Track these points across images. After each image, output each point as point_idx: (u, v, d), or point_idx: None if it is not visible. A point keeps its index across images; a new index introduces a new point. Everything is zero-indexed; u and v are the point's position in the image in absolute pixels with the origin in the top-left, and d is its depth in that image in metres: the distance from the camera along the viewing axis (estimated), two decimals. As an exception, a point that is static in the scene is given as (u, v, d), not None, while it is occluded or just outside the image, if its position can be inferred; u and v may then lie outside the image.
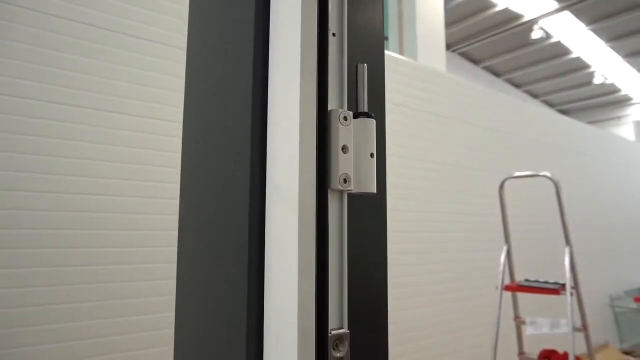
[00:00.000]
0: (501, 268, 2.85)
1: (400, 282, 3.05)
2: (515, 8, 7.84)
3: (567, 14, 7.97)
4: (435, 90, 3.53)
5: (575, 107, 12.87)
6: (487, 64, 10.29)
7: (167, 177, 2.09)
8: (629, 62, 9.98)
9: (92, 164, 1.93)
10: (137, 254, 2.00)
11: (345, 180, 0.46)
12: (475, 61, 10.21)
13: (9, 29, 1.78)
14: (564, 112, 12.44)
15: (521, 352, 2.91)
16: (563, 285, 2.58)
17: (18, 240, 1.74)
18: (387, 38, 4.28)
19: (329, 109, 0.47)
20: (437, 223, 3.36)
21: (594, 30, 8.58)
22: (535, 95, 12.12)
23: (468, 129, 3.75)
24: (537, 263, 3.79)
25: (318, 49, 0.45)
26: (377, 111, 0.50)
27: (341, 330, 0.45)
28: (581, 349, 2.69)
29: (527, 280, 2.88)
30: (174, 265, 0.61)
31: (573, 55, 9.65)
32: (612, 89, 11.71)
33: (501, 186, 2.91)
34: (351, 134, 0.47)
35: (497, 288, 2.83)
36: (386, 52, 3.53)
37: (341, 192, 0.46)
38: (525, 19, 8.14)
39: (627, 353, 5.17)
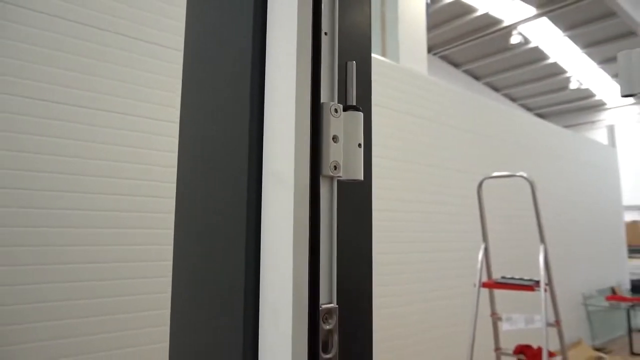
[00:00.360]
0: (479, 266, 2.93)
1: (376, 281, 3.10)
2: (495, 13, 8.03)
3: (545, 20, 8.19)
4: (416, 92, 3.61)
5: (552, 111, 13.20)
6: (467, 67, 10.49)
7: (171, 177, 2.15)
8: (603, 69, 10.31)
9: (99, 164, 1.98)
10: (149, 252, 2.05)
11: (335, 167, 0.50)
12: (455, 64, 10.40)
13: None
14: (541, 115, 12.74)
15: (497, 348, 3.00)
16: (537, 282, 2.68)
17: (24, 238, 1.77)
18: (370, 40, 4.34)
19: (322, 101, 0.51)
20: (411, 223, 3.42)
21: (570, 37, 8.84)
22: (513, 99, 12.39)
23: (447, 131, 3.84)
24: (514, 261, 3.90)
25: (312, 47, 0.50)
26: (364, 105, 0.54)
27: (330, 305, 0.50)
28: (555, 344, 2.79)
29: (503, 277, 2.97)
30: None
31: (550, 61, 9.92)
32: (587, 94, 12.06)
33: (479, 186, 2.99)
34: (341, 125, 0.51)
35: (475, 285, 2.91)
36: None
37: (331, 178, 0.51)
38: (505, 24, 8.34)
39: (598, 350, 5.35)
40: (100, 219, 1.94)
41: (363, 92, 0.56)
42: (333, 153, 0.50)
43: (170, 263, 0.64)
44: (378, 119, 3.21)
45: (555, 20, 8.22)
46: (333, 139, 0.50)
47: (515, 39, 8.70)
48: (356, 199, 0.55)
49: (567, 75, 10.76)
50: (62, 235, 1.84)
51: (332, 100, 0.52)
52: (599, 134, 12.47)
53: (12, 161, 1.76)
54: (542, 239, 2.72)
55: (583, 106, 12.94)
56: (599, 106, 12.99)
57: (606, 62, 9.85)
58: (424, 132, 3.59)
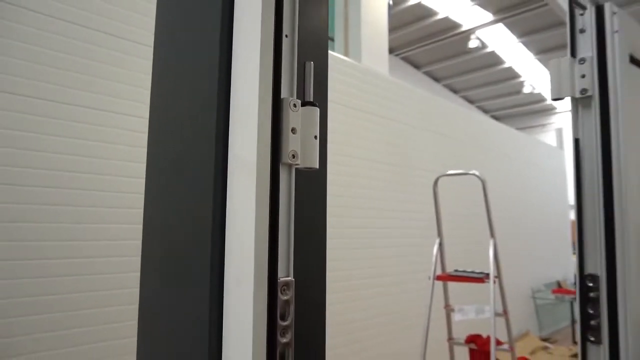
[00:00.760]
0: (434, 259, 3.06)
1: (334, 277, 3.15)
2: (455, 17, 8.30)
3: (501, 26, 8.54)
4: (377, 91, 3.71)
5: (507, 113, 13.76)
6: (427, 69, 10.78)
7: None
8: (554, 74, 10.79)
9: (97, 161, 2.02)
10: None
11: (293, 156, 0.56)
12: (416, 66, 10.66)
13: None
14: (496, 118, 13.26)
15: (450, 338, 3.14)
16: (487, 275, 2.83)
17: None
18: (332, 39, 4.42)
19: (282, 97, 0.57)
20: (370, 219, 3.52)
21: (524, 43, 9.25)
22: (471, 101, 12.83)
23: (407, 130, 3.97)
24: (468, 256, 4.07)
25: (274, 48, 0.56)
26: (320, 101, 0.61)
27: (288, 278, 0.56)
28: (504, 335, 2.95)
29: (456, 270, 3.11)
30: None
31: (505, 65, 10.34)
32: (539, 98, 12.65)
33: (435, 183, 3.12)
34: (299, 118, 0.57)
35: (429, 278, 3.04)
36: (331, 53, 3.64)
37: (290, 165, 0.57)
38: (464, 28, 8.63)
39: (545, 340, 5.66)
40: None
41: (320, 90, 0.62)
42: (292, 143, 0.56)
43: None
44: (339, 117, 3.29)
45: (511, 27, 8.59)
46: (292, 130, 0.56)
47: (473, 43, 9.03)
48: (312, 185, 0.61)
49: (521, 79, 11.26)
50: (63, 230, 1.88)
51: (292, 96, 0.58)
52: (548, 137, 13.12)
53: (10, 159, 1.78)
54: (492, 234, 2.88)
55: (535, 110, 13.58)
56: (549, 110, 13.65)
57: (557, 68, 10.32)
58: (384, 130, 3.70)
